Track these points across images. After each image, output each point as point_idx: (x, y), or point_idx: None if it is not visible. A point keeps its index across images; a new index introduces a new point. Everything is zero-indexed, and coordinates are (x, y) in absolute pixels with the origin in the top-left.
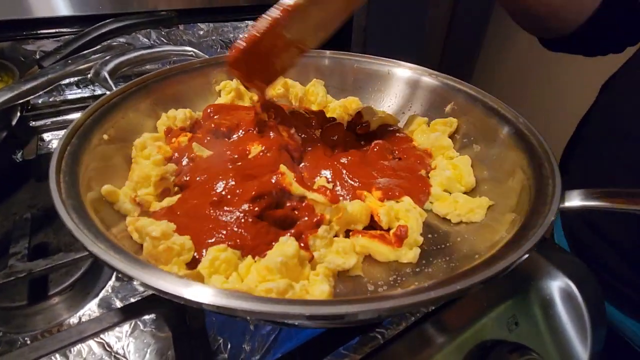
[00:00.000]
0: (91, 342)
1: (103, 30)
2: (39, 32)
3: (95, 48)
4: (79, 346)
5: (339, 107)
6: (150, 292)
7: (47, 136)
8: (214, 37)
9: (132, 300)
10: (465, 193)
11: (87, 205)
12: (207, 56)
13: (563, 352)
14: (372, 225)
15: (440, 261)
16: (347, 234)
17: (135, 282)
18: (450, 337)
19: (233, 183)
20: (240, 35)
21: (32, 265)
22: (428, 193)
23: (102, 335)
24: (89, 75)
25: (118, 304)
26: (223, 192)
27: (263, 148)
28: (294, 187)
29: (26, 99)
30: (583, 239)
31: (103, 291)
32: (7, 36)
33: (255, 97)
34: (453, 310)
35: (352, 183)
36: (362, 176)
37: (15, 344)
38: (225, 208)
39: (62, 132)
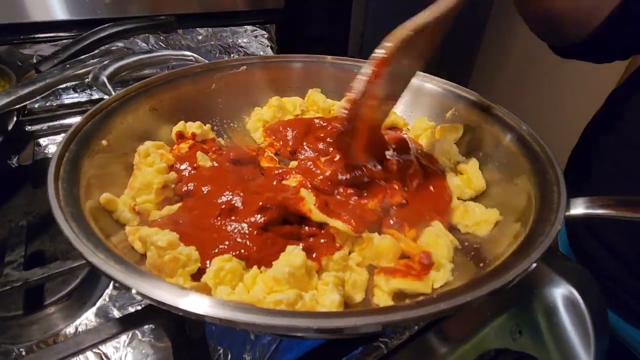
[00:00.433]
0: (88, 352)
1: (101, 35)
2: (36, 36)
3: (93, 53)
4: (75, 358)
5: None
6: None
7: (43, 141)
8: (212, 42)
9: (130, 309)
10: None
11: (86, 213)
12: (206, 61)
13: None
14: None
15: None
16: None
17: (134, 293)
18: (454, 347)
19: (240, 194)
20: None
21: (28, 274)
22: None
23: (99, 346)
24: (87, 80)
25: (116, 313)
26: (229, 202)
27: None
28: (314, 213)
29: (23, 103)
30: (588, 248)
31: (100, 300)
32: (3, 40)
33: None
34: (456, 319)
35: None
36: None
37: (10, 355)
38: (230, 218)
39: (58, 137)
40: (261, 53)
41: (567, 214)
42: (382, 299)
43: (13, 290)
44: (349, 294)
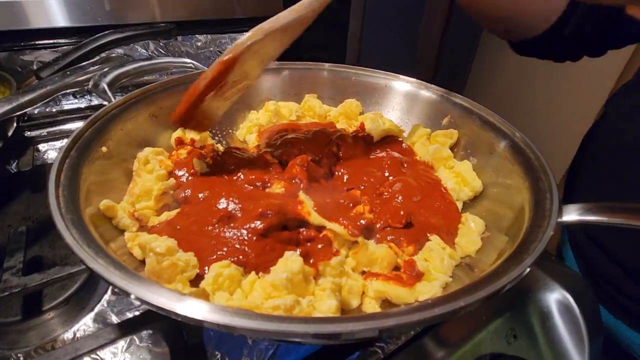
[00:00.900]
0: (86, 358)
1: (101, 42)
2: (36, 42)
3: (93, 59)
4: None
5: (340, 115)
6: (146, 307)
7: (43, 147)
8: (211, 49)
9: (129, 314)
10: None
11: (86, 219)
12: (205, 68)
13: None
14: None
15: None
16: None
17: (133, 298)
18: (450, 351)
19: (238, 200)
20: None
21: (26, 280)
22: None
23: (97, 352)
24: (87, 87)
25: (114, 319)
26: (227, 208)
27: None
28: (313, 217)
29: (24, 110)
30: (589, 256)
31: (99, 305)
32: (4, 46)
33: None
34: (452, 324)
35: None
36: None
37: None
38: (229, 224)
39: (58, 143)
40: None
41: (559, 220)
42: (369, 307)
43: (12, 296)
44: (346, 300)
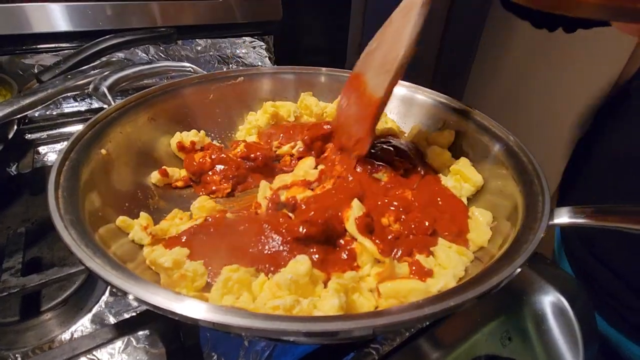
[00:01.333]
0: (83, 358)
1: (102, 46)
2: (38, 46)
3: (94, 63)
4: None
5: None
6: (143, 307)
7: (43, 149)
8: (211, 53)
9: (126, 315)
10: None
11: (85, 221)
12: (205, 72)
13: None
14: None
15: None
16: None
17: (130, 298)
18: (445, 353)
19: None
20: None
21: (25, 281)
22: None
23: (94, 352)
24: (87, 90)
25: (111, 320)
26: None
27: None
28: (349, 224)
29: (25, 113)
30: (582, 262)
31: (96, 306)
32: (6, 50)
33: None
34: (447, 325)
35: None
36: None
37: None
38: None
39: (58, 146)
40: (259, 64)
41: (551, 222)
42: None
43: (10, 296)
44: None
